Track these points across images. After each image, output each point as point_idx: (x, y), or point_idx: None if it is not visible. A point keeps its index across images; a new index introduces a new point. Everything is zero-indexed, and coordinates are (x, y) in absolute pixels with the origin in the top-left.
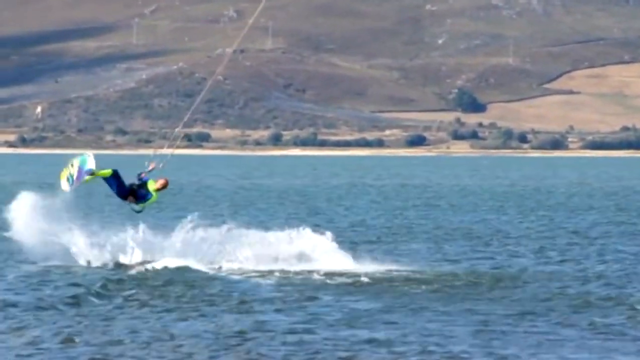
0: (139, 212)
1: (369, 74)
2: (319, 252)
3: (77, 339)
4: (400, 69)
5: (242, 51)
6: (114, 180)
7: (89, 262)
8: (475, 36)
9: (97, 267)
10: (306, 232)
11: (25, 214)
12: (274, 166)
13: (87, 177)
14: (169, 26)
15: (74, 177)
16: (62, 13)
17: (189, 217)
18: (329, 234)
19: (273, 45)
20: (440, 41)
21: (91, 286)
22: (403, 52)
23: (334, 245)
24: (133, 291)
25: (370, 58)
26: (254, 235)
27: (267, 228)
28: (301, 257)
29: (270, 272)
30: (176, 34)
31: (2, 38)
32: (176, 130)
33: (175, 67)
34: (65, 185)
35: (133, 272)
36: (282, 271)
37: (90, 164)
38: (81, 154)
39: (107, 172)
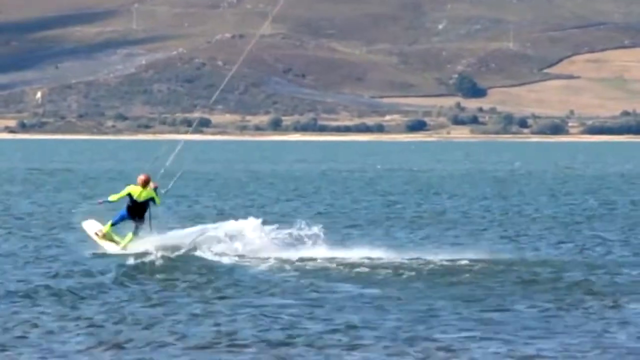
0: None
1: (368, 59)
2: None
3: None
4: (400, 54)
5: (241, 36)
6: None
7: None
8: (476, 21)
9: (113, 256)
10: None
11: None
12: (273, 151)
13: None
14: (169, 12)
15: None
16: None
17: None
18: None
19: (273, 31)
20: (440, 26)
21: (106, 274)
22: (403, 37)
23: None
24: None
25: (370, 43)
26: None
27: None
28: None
29: (266, 259)
30: (176, 19)
31: (3, 24)
32: (176, 115)
33: (174, 52)
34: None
35: (149, 260)
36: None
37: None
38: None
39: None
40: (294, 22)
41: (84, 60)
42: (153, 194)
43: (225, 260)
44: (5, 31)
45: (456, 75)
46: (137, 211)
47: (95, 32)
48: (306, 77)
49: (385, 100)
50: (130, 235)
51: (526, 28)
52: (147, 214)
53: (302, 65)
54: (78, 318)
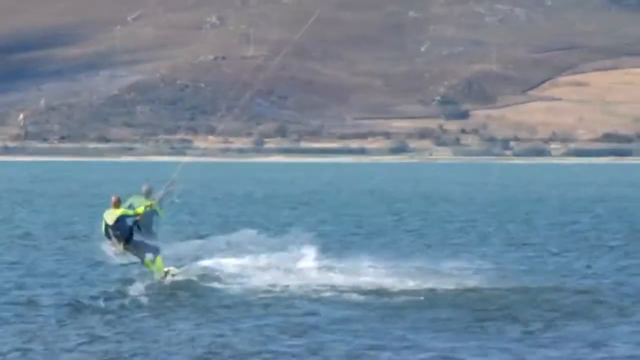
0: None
1: (351, 81)
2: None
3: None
4: (383, 75)
5: (223, 58)
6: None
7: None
8: (459, 43)
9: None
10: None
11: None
12: (256, 173)
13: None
14: (151, 33)
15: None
16: (45, 19)
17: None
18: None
19: (255, 52)
20: (422, 48)
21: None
22: (386, 59)
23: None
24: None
25: (352, 65)
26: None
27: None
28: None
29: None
30: (158, 40)
31: None
32: (159, 137)
33: (157, 74)
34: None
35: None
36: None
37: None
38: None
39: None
40: (276, 44)
41: (66, 82)
42: (124, 212)
43: (235, 284)
44: None
45: (439, 97)
46: (118, 232)
47: (78, 54)
48: (288, 99)
49: (368, 122)
50: (152, 257)
51: (509, 50)
52: (143, 230)
53: (285, 87)
54: (80, 328)
